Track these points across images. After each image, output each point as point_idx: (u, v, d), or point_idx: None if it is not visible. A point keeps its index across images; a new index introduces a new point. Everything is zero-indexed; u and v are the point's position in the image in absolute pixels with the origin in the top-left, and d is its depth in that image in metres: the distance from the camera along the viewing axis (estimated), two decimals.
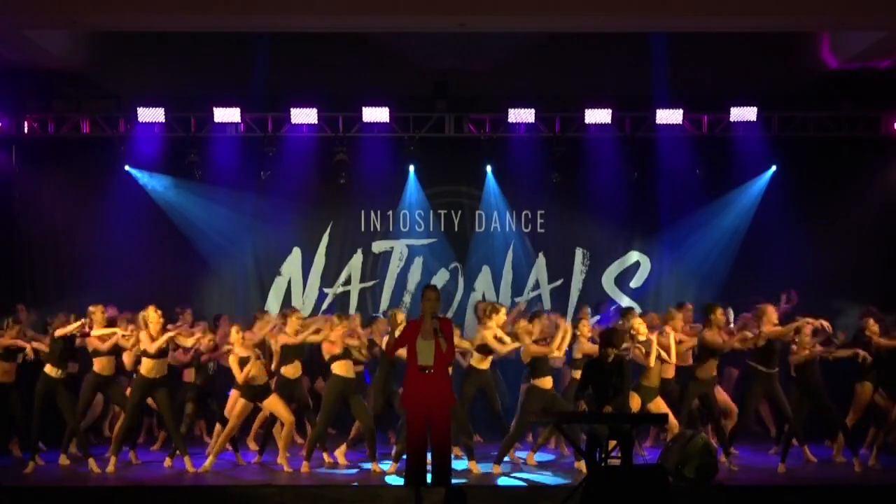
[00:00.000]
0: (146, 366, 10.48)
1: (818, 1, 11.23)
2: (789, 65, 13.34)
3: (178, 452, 10.74)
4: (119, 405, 11.08)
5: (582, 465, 10.25)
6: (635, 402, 10.39)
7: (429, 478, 8.81)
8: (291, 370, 10.90)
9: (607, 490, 7.69)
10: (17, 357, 10.98)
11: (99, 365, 10.82)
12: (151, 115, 13.55)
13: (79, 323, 10.71)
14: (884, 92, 13.62)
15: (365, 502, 9.16)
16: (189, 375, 11.41)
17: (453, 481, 8.86)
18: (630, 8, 11.26)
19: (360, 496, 9.36)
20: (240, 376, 10.48)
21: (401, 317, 10.94)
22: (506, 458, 10.79)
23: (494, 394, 11.21)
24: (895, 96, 13.65)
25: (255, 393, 10.60)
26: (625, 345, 10.10)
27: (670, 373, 10.78)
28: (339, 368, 10.63)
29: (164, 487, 9.90)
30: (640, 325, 10.74)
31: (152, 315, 10.51)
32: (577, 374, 10.61)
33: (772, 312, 10.71)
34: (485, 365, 10.99)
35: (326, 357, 10.76)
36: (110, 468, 10.49)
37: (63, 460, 10.89)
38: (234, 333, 10.63)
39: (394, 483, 9.90)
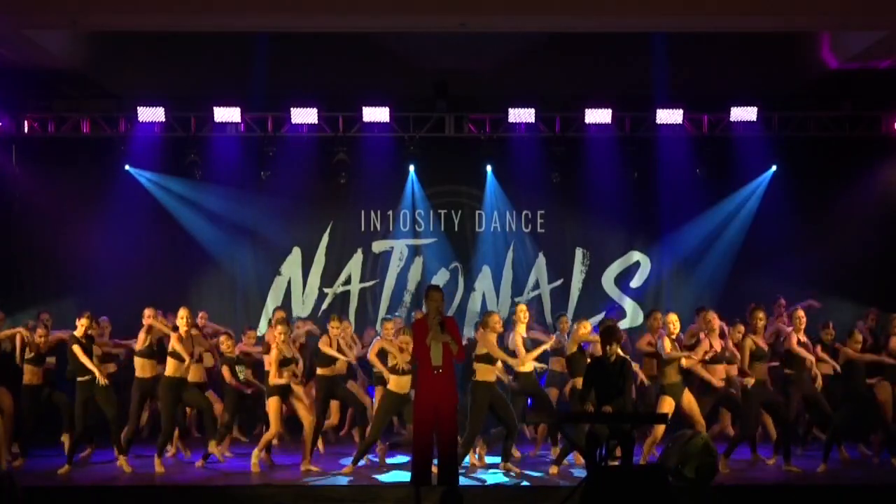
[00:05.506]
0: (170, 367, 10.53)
1: (818, 1, 11.24)
2: (789, 65, 13.34)
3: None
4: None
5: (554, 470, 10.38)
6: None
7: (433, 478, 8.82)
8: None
9: (607, 490, 7.68)
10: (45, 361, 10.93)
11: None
12: (151, 114, 13.56)
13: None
14: (884, 92, 13.62)
15: (365, 502, 9.16)
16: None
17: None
18: (630, 8, 11.26)
19: (360, 496, 9.35)
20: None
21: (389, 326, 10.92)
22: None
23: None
24: (895, 96, 13.65)
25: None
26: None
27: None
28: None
29: (164, 487, 9.89)
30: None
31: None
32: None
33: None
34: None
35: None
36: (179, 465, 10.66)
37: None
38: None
39: (394, 483, 9.89)
